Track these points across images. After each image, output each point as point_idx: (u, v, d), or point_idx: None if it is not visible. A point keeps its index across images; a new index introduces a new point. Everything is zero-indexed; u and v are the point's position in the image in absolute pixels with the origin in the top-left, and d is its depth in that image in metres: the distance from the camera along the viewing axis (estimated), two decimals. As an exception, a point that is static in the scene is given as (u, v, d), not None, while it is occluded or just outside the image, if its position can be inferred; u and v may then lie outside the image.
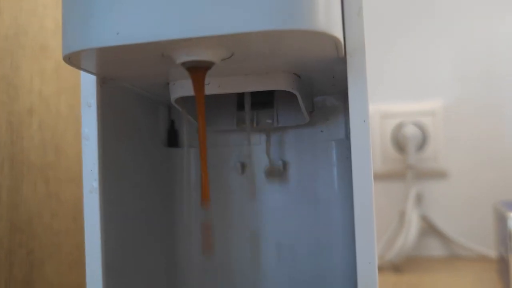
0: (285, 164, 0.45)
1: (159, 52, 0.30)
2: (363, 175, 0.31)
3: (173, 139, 0.47)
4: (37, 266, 0.54)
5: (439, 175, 0.92)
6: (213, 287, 0.44)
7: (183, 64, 0.30)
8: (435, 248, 0.91)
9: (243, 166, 0.46)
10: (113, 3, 0.27)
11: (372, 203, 0.31)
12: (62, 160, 0.59)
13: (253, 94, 0.43)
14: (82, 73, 0.35)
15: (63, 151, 0.60)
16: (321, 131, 0.45)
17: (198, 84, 0.31)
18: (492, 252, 0.84)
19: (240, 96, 0.44)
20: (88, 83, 0.35)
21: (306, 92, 0.41)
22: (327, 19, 0.28)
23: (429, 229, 0.91)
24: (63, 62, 0.60)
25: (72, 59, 0.30)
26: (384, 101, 0.93)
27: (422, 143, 0.91)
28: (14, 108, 0.52)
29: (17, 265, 0.51)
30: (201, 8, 0.27)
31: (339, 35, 0.29)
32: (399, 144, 0.92)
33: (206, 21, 0.26)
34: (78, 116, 0.63)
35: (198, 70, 0.31)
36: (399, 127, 0.92)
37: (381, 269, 0.83)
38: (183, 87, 0.37)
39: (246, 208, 0.45)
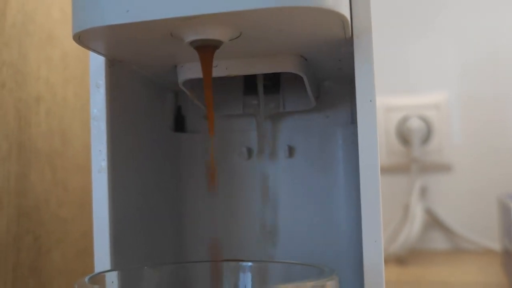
0: (291, 148, 0.45)
1: (168, 31, 0.30)
2: (370, 152, 0.31)
3: (179, 124, 0.47)
4: (44, 253, 0.54)
5: (444, 168, 0.92)
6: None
7: (192, 43, 0.31)
8: (439, 241, 0.92)
9: (249, 151, 0.46)
10: (123, -19, 0.28)
11: (378, 182, 0.31)
12: (68, 148, 0.60)
13: (259, 79, 0.44)
14: (91, 54, 0.36)
15: (70, 140, 0.60)
16: (327, 117, 0.45)
17: (207, 63, 0.31)
18: (496, 245, 0.84)
19: (247, 80, 0.44)
20: (97, 64, 0.36)
21: (313, 75, 0.41)
22: (335, -3, 0.28)
23: (433, 222, 0.91)
24: (69, 51, 0.61)
25: (82, 38, 0.31)
26: (389, 95, 0.93)
27: (427, 136, 0.92)
28: (22, 95, 0.53)
29: (25, 251, 0.51)
30: (209, -15, 0.27)
31: (346, 14, 0.30)
32: (404, 137, 0.92)
33: (215, -1, 0.27)
34: (84, 105, 0.63)
35: (206, 50, 0.31)
36: (403, 120, 0.92)
37: (385, 261, 0.83)
38: (191, 70, 0.38)
39: (252, 192, 0.46)
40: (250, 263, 0.36)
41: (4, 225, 0.49)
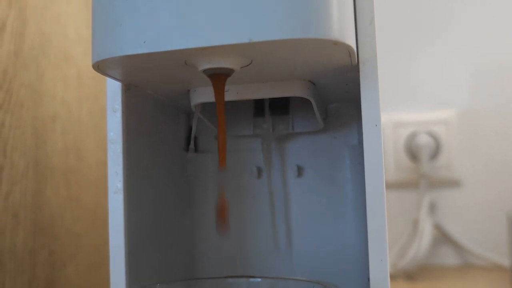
0: (300, 168, 0.47)
1: (182, 60, 0.32)
2: (375, 175, 0.32)
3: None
4: (58, 267, 0.56)
5: (452, 183, 0.92)
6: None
7: (205, 71, 0.32)
8: (448, 257, 0.92)
9: (259, 170, 0.47)
10: (140, 14, 0.29)
11: (383, 203, 0.32)
12: (83, 165, 0.61)
13: (270, 101, 0.45)
14: (108, 79, 0.37)
15: (84, 156, 0.62)
16: (335, 137, 0.46)
17: (219, 90, 0.33)
18: (506, 260, 0.84)
19: (257, 102, 0.45)
20: (113, 89, 0.37)
21: (321, 99, 0.42)
22: (341, 28, 0.29)
23: (442, 237, 0.91)
24: (84, 71, 0.62)
25: (101, 66, 0.32)
26: (398, 110, 0.94)
27: (435, 152, 0.92)
28: (39, 114, 0.54)
29: (40, 265, 0.53)
30: (222, 18, 0.28)
31: (352, 44, 0.31)
32: (413, 153, 0.93)
33: (227, 31, 0.28)
34: (98, 123, 0.65)
35: (219, 77, 0.32)
36: (412, 136, 0.93)
37: (394, 277, 0.84)
38: (203, 94, 0.39)
39: (262, 210, 0.47)
40: (259, 279, 0.37)
41: (21, 240, 0.50)
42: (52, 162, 0.56)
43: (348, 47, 0.30)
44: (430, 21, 0.95)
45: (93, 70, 0.33)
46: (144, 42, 0.29)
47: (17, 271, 0.49)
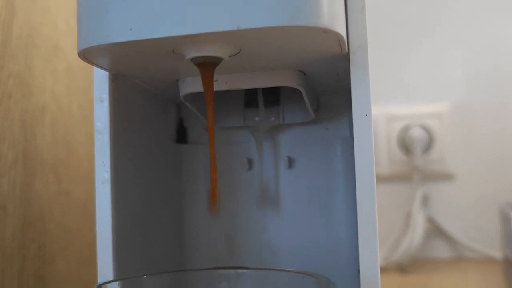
0: (291, 160, 0.46)
1: (169, 48, 0.31)
2: (365, 164, 0.32)
3: (182, 135, 0.48)
4: (48, 261, 0.55)
5: (445, 177, 0.92)
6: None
7: (193, 59, 0.31)
8: (441, 250, 0.92)
9: (250, 162, 0.47)
10: (126, 1, 0.29)
11: (374, 193, 0.32)
12: (73, 158, 0.61)
13: (260, 92, 0.45)
14: (95, 69, 0.37)
15: (74, 149, 0.61)
16: (326, 129, 0.46)
17: (207, 79, 0.32)
18: (498, 253, 0.84)
19: (247, 93, 0.45)
20: (100, 78, 0.37)
21: (311, 89, 0.42)
22: (331, 16, 0.29)
23: (435, 230, 0.92)
24: (74, 63, 0.62)
25: (87, 54, 0.32)
26: (391, 104, 0.94)
27: (429, 145, 0.92)
28: (28, 106, 0.54)
29: (29, 259, 0.52)
30: (210, 5, 0.28)
31: (343, 32, 0.30)
32: (406, 146, 0.93)
33: (215, 18, 0.28)
34: (88, 116, 0.64)
35: (207, 66, 0.32)
36: (405, 129, 0.93)
37: (387, 270, 0.84)
38: (192, 84, 0.38)
39: (253, 202, 0.47)
40: (246, 271, 0.37)
41: (10, 233, 0.49)
42: (41, 155, 0.55)
43: (338, 35, 0.30)
44: (424, 14, 0.95)
45: (83, 63, 0.32)
46: (131, 29, 0.29)
47: (6, 264, 0.49)
